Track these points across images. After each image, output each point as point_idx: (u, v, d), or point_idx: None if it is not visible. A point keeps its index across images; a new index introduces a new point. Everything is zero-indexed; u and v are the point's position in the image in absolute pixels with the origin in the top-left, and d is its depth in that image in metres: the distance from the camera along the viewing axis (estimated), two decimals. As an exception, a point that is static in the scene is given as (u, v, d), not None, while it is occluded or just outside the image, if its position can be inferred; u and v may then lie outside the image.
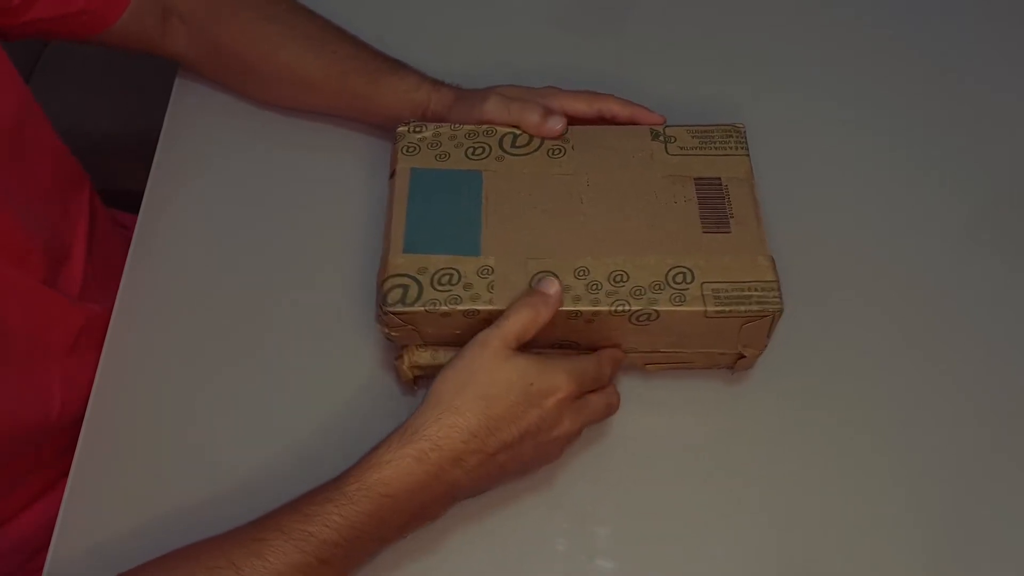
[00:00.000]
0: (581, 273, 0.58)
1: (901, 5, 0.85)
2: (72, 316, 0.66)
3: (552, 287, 0.55)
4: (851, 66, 0.81)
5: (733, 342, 0.59)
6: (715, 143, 0.64)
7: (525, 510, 0.60)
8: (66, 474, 0.62)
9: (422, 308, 0.56)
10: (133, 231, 0.71)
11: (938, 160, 0.76)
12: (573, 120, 0.65)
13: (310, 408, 0.64)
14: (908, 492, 0.61)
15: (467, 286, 0.57)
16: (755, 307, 0.56)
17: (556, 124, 0.63)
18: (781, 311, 0.57)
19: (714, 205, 0.61)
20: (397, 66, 0.70)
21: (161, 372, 0.66)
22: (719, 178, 0.62)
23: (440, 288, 0.57)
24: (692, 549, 0.59)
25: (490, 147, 0.63)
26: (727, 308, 0.56)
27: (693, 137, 0.64)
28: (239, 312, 0.68)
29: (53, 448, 0.66)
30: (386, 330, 0.59)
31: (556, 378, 0.54)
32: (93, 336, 0.67)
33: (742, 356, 0.61)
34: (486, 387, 0.53)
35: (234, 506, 0.58)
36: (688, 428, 0.64)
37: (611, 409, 0.59)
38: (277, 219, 0.72)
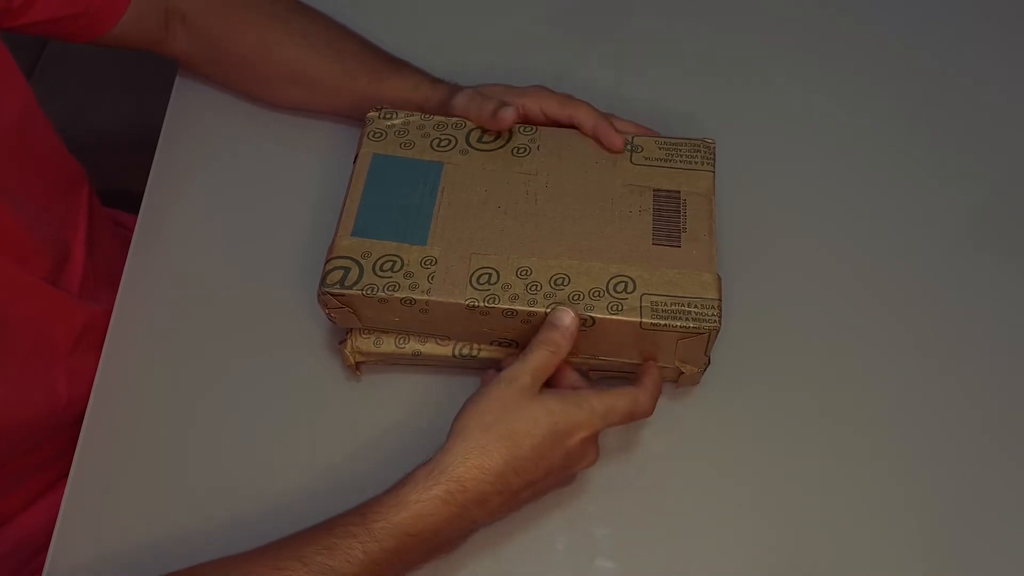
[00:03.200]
0: (523, 273, 0.58)
1: (899, 5, 0.84)
2: (74, 314, 0.67)
3: (565, 319, 0.55)
4: (852, 69, 0.80)
5: (670, 356, 0.59)
6: (681, 156, 0.63)
7: (525, 510, 0.60)
8: (66, 474, 0.62)
9: (359, 292, 0.57)
10: (133, 231, 0.72)
11: (934, 162, 0.75)
12: (549, 121, 0.65)
13: (310, 407, 0.65)
14: (905, 491, 0.62)
15: (408, 274, 0.57)
16: (691, 323, 0.56)
17: (505, 113, 0.62)
18: (718, 330, 0.56)
19: (668, 218, 0.60)
20: (399, 65, 0.71)
21: (161, 372, 0.66)
22: (678, 192, 0.61)
23: (381, 274, 0.58)
24: (691, 548, 0.60)
25: (456, 140, 0.64)
26: (662, 322, 0.56)
27: (660, 148, 0.63)
28: (239, 311, 0.68)
29: (54, 447, 0.67)
30: (326, 311, 0.59)
31: (581, 416, 0.53)
32: (95, 335, 0.67)
33: (683, 372, 0.61)
34: (512, 425, 0.52)
35: (234, 505, 0.60)
36: (684, 428, 0.64)
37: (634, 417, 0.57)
38: (277, 218, 0.72)
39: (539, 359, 0.54)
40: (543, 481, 0.55)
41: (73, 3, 0.66)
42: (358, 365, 0.63)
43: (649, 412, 0.57)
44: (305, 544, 0.50)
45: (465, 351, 0.61)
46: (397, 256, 0.58)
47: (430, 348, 0.61)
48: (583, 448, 0.55)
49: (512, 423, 0.52)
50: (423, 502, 0.50)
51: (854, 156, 0.75)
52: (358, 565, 0.49)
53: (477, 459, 0.51)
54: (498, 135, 0.64)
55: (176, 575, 0.51)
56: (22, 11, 0.64)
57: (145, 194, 0.73)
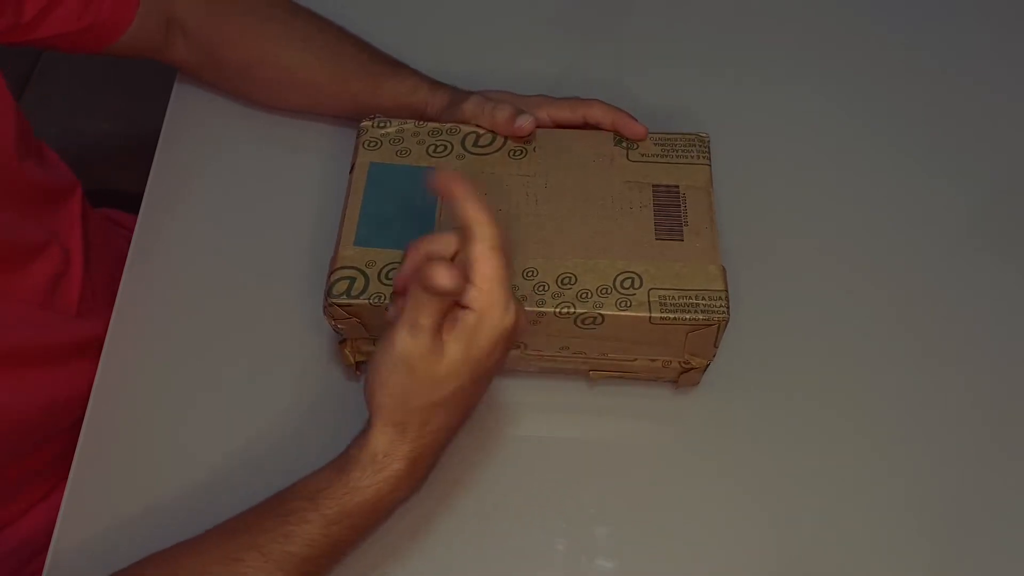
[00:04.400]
0: (529, 274, 0.58)
1: (899, 5, 0.85)
2: (72, 327, 0.67)
3: (442, 277, 0.46)
4: (852, 69, 0.81)
5: (679, 350, 0.59)
6: (677, 151, 0.63)
7: (525, 511, 0.60)
8: (66, 477, 0.62)
9: (366, 301, 0.57)
10: (132, 231, 0.72)
11: (934, 161, 0.76)
12: (561, 126, 0.65)
13: (310, 407, 0.64)
14: (906, 490, 0.62)
15: None
16: (700, 315, 0.56)
17: (524, 122, 0.62)
18: (727, 320, 0.56)
19: (669, 212, 0.60)
20: (397, 68, 0.70)
21: (160, 372, 0.66)
22: (677, 186, 0.62)
23: (387, 282, 0.57)
24: (691, 548, 0.60)
25: (452, 145, 0.64)
26: (672, 315, 0.56)
27: (655, 144, 0.64)
28: (238, 312, 0.68)
29: (53, 451, 0.66)
30: (332, 322, 0.59)
31: (493, 340, 0.50)
32: (93, 347, 0.67)
33: (686, 371, 0.61)
34: (434, 395, 0.50)
35: (234, 506, 0.58)
36: (684, 428, 0.64)
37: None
38: (277, 219, 0.72)
39: (424, 317, 0.48)
40: (488, 381, 0.54)
41: (81, 18, 0.66)
42: (358, 365, 0.63)
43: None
44: (259, 532, 0.51)
45: None
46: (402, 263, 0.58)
47: None
48: (507, 345, 0.51)
49: (431, 393, 0.50)
50: (375, 486, 0.51)
51: (854, 156, 0.76)
52: (318, 547, 0.51)
53: (415, 432, 0.51)
54: (493, 139, 0.64)
55: (123, 573, 0.51)
56: (33, 27, 0.65)
57: (145, 195, 0.73)
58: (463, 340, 0.49)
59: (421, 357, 0.49)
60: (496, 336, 0.50)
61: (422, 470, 0.53)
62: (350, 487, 0.51)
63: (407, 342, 0.49)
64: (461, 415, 0.54)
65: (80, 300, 0.69)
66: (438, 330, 0.49)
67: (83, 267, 0.70)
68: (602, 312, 0.56)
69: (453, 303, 0.49)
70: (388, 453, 0.51)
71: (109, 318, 0.68)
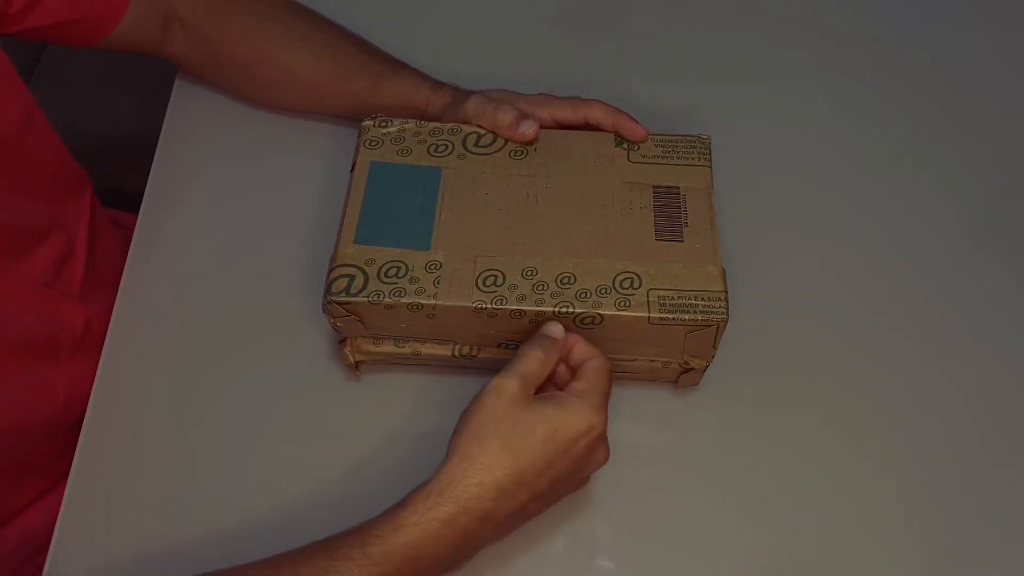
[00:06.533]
0: (529, 273, 0.58)
1: (899, 5, 0.85)
2: (75, 316, 0.67)
3: (555, 328, 0.55)
4: (852, 68, 0.81)
5: (679, 351, 0.59)
6: (678, 152, 0.63)
7: None
8: (66, 476, 0.62)
9: (365, 299, 0.57)
10: (132, 231, 0.72)
11: (935, 161, 0.76)
12: (562, 126, 0.65)
13: (310, 407, 0.64)
14: (907, 490, 0.62)
15: (413, 280, 0.57)
16: (699, 316, 0.56)
17: (527, 129, 0.63)
18: (726, 321, 0.56)
19: (669, 213, 0.60)
20: (398, 67, 0.70)
21: (161, 372, 0.66)
22: (678, 187, 0.62)
23: (386, 280, 0.57)
24: (691, 548, 0.60)
25: (453, 145, 0.64)
26: (671, 315, 0.56)
27: (656, 146, 0.64)
28: (239, 312, 0.68)
29: (54, 449, 0.66)
30: (331, 320, 0.59)
31: (582, 420, 0.52)
32: (95, 337, 0.67)
33: (685, 371, 0.61)
34: (509, 438, 0.50)
35: (233, 505, 0.59)
36: (684, 428, 0.64)
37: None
38: (276, 219, 0.72)
39: (527, 364, 0.53)
40: (552, 490, 0.53)
41: (71, 9, 0.66)
42: (357, 364, 0.63)
43: (608, 361, 0.55)
44: (303, 564, 0.50)
45: (464, 351, 0.61)
46: (401, 262, 0.58)
47: (429, 348, 0.61)
48: (589, 450, 0.53)
49: (507, 436, 0.50)
50: (422, 525, 0.49)
51: (855, 157, 0.76)
52: None
53: (476, 477, 0.50)
54: (494, 139, 0.64)
55: None
56: (21, 17, 0.64)
57: (145, 194, 0.73)
58: (549, 409, 0.52)
59: (509, 396, 0.51)
60: (580, 429, 0.52)
61: (465, 535, 0.50)
62: (397, 523, 0.49)
63: (502, 378, 0.52)
64: (522, 495, 0.51)
65: (83, 284, 0.69)
66: (531, 384, 0.53)
67: (86, 254, 0.70)
68: (601, 312, 0.56)
69: (553, 382, 0.55)
70: (443, 492, 0.50)
71: (110, 307, 0.68)
